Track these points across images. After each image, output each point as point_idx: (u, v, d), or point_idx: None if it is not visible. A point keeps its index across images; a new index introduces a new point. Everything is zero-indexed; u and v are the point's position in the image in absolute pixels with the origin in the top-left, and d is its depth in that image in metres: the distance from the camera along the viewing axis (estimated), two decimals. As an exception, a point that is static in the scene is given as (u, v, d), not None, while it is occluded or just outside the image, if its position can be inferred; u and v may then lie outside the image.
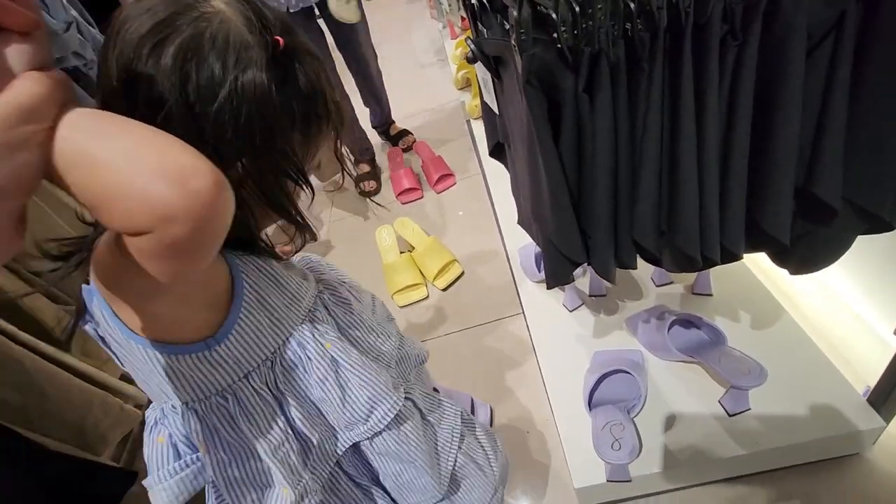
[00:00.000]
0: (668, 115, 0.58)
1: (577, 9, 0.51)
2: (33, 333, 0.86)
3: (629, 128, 0.60)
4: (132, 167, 0.27)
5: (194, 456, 0.49)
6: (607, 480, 0.81)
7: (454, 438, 0.64)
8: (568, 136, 0.60)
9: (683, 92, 0.55)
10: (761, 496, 0.82)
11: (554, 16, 0.52)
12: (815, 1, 0.50)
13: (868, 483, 0.80)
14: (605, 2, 0.51)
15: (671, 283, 1.07)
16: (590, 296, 1.09)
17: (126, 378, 1.01)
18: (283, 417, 0.49)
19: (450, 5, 1.88)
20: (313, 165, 0.49)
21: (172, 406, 0.47)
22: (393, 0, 3.54)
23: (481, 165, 1.71)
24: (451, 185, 1.76)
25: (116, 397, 0.95)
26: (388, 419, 0.54)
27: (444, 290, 1.38)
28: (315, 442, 0.51)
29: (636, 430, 0.83)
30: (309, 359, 0.50)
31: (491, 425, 1.03)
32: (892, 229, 0.60)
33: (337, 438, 0.55)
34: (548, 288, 0.76)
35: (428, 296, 1.39)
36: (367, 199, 1.81)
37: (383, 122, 1.98)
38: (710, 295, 1.02)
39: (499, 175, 1.45)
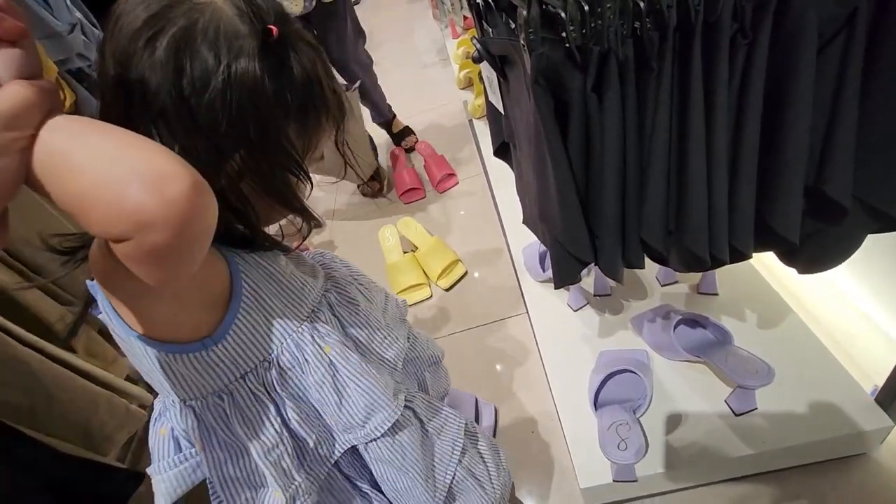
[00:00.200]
0: (677, 114, 0.57)
1: (586, 8, 0.51)
2: (38, 334, 0.86)
3: (637, 127, 0.59)
4: (108, 171, 0.27)
5: (193, 450, 0.49)
6: (613, 481, 0.80)
7: (455, 451, 0.63)
8: (576, 135, 0.60)
9: (693, 91, 0.55)
10: (768, 496, 0.81)
11: (563, 15, 0.52)
12: (826, -2, 0.49)
13: (875, 483, 0.80)
14: (613, 0, 0.51)
15: (676, 282, 1.06)
16: (594, 295, 1.09)
17: (132, 379, 1.01)
18: (278, 419, 0.49)
19: (452, 5, 1.88)
20: (315, 158, 0.48)
21: (173, 401, 0.47)
22: (394, 0, 3.54)
23: (484, 165, 1.70)
24: (454, 185, 1.76)
25: (122, 398, 0.95)
26: (385, 427, 0.53)
27: (448, 289, 1.38)
28: (311, 444, 0.51)
29: (642, 430, 0.83)
30: (306, 361, 0.49)
31: (495, 425, 1.03)
32: (902, 228, 0.60)
33: (335, 440, 0.54)
34: (555, 288, 0.76)
35: (431, 296, 1.38)
36: (371, 198, 1.81)
37: (384, 121, 1.98)
38: (716, 294, 1.01)
39: (502, 174, 1.45)
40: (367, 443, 0.55)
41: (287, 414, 0.49)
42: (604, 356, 0.98)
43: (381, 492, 0.60)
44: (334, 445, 0.54)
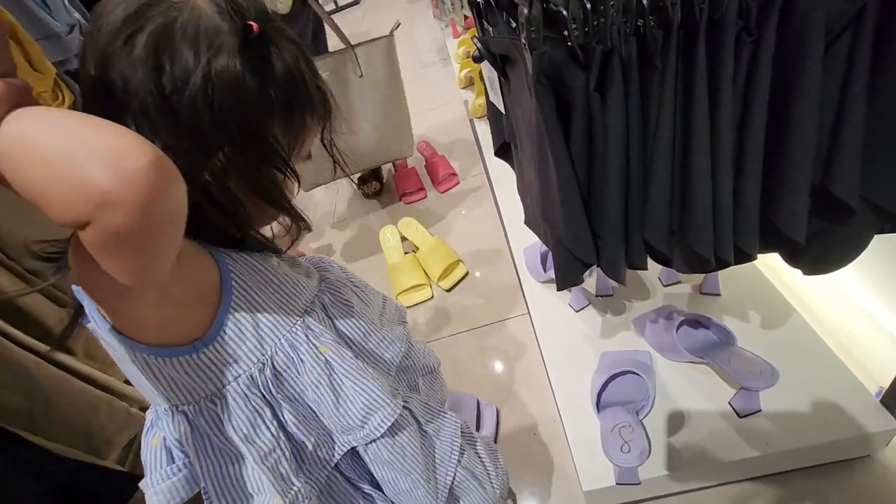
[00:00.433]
0: (681, 112, 0.57)
1: (589, 5, 0.50)
2: (37, 337, 0.86)
3: (641, 125, 0.58)
4: (66, 153, 0.26)
5: (187, 461, 0.48)
6: (616, 483, 0.80)
7: (454, 452, 0.62)
8: (578, 134, 0.59)
9: (697, 89, 0.54)
10: (771, 498, 0.81)
11: (565, 13, 0.51)
12: (833, -5, 0.49)
13: (880, 486, 0.79)
14: (616, -2, 0.50)
15: (679, 282, 1.06)
16: (596, 296, 1.08)
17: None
18: (275, 422, 0.48)
19: (453, 4, 1.87)
20: (303, 156, 0.48)
21: (165, 409, 0.46)
22: (394, 0, 3.54)
23: (485, 165, 1.70)
24: (455, 185, 1.75)
25: (122, 401, 0.95)
26: (385, 427, 0.53)
27: (449, 290, 1.37)
28: (310, 447, 0.50)
29: (645, 432, 0.82)
30: (302, 361, 0.48)
31: (497, 427, 1.03)
32: (909, 228, 0.59)
33: (334, 442, 0.53)
34: (558, 289, 0.75)
35: (433, 296, 1.38)
36: (372, 199, 1.80)
37: None
38: (719, 295, 1.01)
39: (503, 174, 1.44)
40: (366, 444, 0.54)
41: (284, 416, 0.49)
42: (606, 357, 0.97)
43: (383, 493, 0.59)
44: (334, 448, 0.53)
